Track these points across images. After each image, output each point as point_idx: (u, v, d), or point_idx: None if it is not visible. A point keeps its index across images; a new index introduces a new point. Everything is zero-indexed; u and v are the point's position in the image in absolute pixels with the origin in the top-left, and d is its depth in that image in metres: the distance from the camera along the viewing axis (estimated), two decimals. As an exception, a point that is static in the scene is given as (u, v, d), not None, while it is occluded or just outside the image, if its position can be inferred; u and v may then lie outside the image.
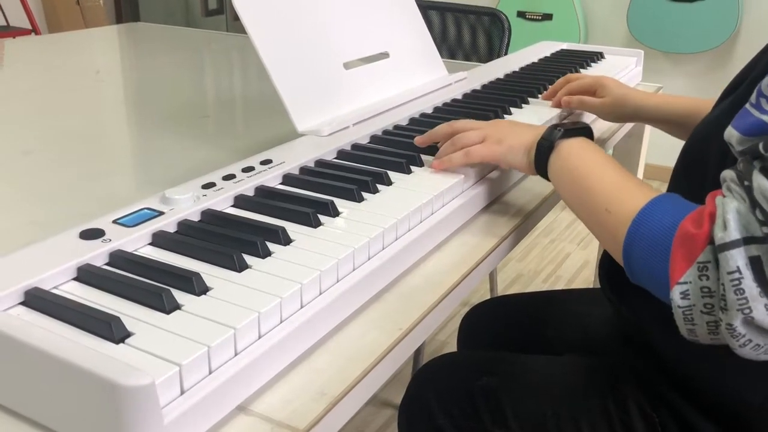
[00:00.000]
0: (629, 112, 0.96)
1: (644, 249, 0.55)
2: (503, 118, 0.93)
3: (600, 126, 1.08)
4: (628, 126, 1.17)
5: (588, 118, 1.04)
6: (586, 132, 0.70)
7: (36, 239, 0.53)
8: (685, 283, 0.51)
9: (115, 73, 1.34)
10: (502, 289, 2.08)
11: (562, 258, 2.31)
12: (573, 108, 1.00)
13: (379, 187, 0.69)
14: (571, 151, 0.68)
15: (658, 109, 0.95)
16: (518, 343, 0.96)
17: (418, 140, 0.79)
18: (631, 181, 0.62)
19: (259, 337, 0.47)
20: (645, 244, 0.55)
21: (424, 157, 0.76)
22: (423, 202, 0.65)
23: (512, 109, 0.96)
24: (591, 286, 2.05)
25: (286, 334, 0.47)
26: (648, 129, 1.46)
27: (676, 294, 0.52)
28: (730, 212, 0.50)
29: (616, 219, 0.59)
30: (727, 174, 0.54)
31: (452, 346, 1.71)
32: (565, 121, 0.70)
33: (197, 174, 0.67)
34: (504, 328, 1.01)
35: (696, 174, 0.65)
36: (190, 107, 1.10)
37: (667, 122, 0.96)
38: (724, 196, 0.52)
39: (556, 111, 0.96)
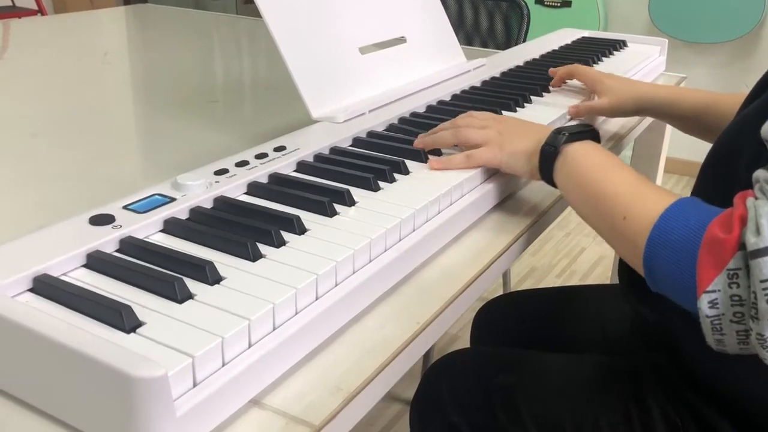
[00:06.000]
0: (632, 108, 0.94)
1: (667, 256, 0.53)
2: (523, 107, 0.92)
3: (618, 120, 1.07)
4: (649, 119, 1.15)
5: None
6: (592, 135, 0.68)
7: (44, 224, 0.53)
8: (714, 291, 0.49)
9: (123, 56, 1.34)
10: (515, 284, 2.07)
11: (577, 252, 2.30)
12: (581, 116, 0.97)
13: (396, 176, 0.68)
14: (577, 155, 0.66)
15: (666, 103, 0.92)
16: (534, 341, 0.95)
17: (419, 142, 0.75)
18: (647, 185, 0.60)
19: (274, 329, 0.46)
20: (668, 251, 0.53)
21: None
22: (441, 193, 0.65)
23: (533, 98, 0.95)
24: (606, 282, 2.04)
25: (301, 326, 0.47)
26: (670, 121, 1.44)
27: (704, 303, 0.50)
28: (764, 216, 0.48)
29: (635, 226, 0.57)
30: (761, 174, 0.52)
31: (464, 341, 1.70)
32: (569, 124, 0.67)
33: (207, 160, 0.66)
34: (519, 325, 1.01)
35: (725, 176, 0.63)
36: (200, 91, 1.09)
37: (678, 118, 0.93)
38: (756, 198, 0.51)
39: (579, 100, 0.95)
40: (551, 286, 2.04)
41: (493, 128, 0.73)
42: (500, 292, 1.54)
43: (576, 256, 2.28)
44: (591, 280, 2.13)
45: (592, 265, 2.22)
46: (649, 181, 0.61)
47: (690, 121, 0.92)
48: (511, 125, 0.74)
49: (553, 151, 0.67)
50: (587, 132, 0.68)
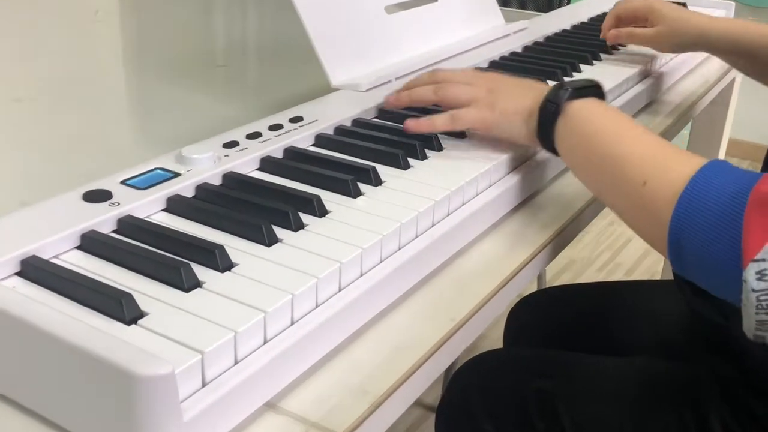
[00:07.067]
0: (689, 40, 0.93)
1: (702, 225, 0.50)
2: (572, 76, 0.91)
3: (683, 89, 1.06)
4: (714, 92, 1.14)
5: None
6: (597, 91, 0.66)
7: (31, 200, 0.53)
8: (764, 260, 0.46)
9: (116, 13, 1.34)
10: (550, 278, 2.06)
11: (622, 243, 2.28)
12: (623, 42, 0.97)
13: (428, 152, 0.67)
14: (584, 113, 0.63)
15: (725, 35, 0.90)
16: (576, 342, 0.95)
17: (393, 99, 0.73)
18: (671, 146, 0.58)
19: (292, 324, 0.46)
20: (702, 218, 0.50)
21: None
22: (480, 172, 0.64)
23: (582, 66, 0.94)
24: (654, 278, 2.02)
25: (322, 321, 0.46)
26: (735, 97, 1.42)
27: (750, 274, 0.46)
28: None
29: (658, 192, 0.54)
30: None
31: (491, 340, 1.69)
32: (572, 79, 0.65)
33: (214, 131, 0.65)
34: (558, 324, 1.00)
35: None
36: (203, 54, 1.09)
37: (737, 53, 0.91)
38: None
39: (637, 68, 0.94)
40: (592, 281, 2.03)
41: (481, 85, 0.69)
42: (534, 288, 1.54)
43: (620, 248, 2.26)
44: (637, 275, 2.12)
45: (639, 258, 2.21)
46: (670, 143, 0.59)
47: (761, 59, 0.89)
48: (502, 81, 0.71)
49: (555, 108, 0.63)
50: (591, 87, 0.66)
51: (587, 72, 0.93)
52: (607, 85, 0.85)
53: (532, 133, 0.66)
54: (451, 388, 0.87)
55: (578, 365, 0.82)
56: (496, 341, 1.09)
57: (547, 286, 1.54)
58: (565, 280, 2.08)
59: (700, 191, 0.51)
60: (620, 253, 2.24)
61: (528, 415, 0.77)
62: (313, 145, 0.68)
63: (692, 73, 1.12)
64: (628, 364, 0.81)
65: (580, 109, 0.63)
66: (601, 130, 0.61)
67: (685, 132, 1.45)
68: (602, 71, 0.94)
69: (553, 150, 0.65)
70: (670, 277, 0.76)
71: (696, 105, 1.03)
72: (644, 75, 0.96)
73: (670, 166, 0.55)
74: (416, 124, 0.67)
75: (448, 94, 0.69)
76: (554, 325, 1.01)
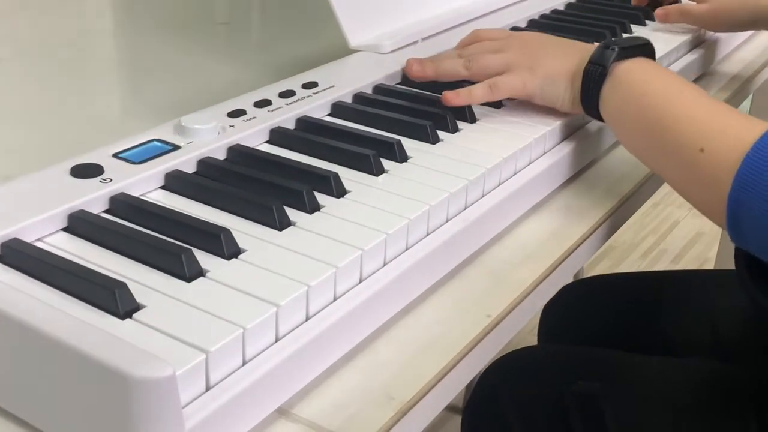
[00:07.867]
0: (746, 17, 0.92)
1: (764, 195, 0.51)
2: (621, 37, 0.89)
3: (742, 58, 1.05)
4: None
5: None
6: (646, 49, 0.66)
7: (12, 174, 0.52)
8: None
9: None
10: (587, 265, 2.05)
11: (669, 227, 2.28)
12: (673, 21, 0.96)
13: (460, 124, 0.67)
14: (632, 76, 0.64)
15: None
16: (618, 340, 0.95)
17: (418, 69, 0.72)
18: (730, 110, 0.59)
19: (307, 319, 0.45)
20: (765, 188, 0.51)
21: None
22: (519, 148, 0.63)
23: (633, 27, 0.94)
24: (704, 267, 2.02)
25: (341, 316, 0.46)
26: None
27: None
28: None
29: (717, 159, 0.55)
30: None
31: (522, 335, 1.69)
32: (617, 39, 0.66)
33: (218, 98, 0.65)
34: (602, 319, 1.00)
35: None
36: (203, 10, 1.09)
37: None
38: None
39: (690, 34, 0.93)
40: (635, 269, 2.02)
41: (512, 49, 0.70)
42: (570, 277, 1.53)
43: (666, 232, 2.26)
44: (685, 262, 2.12)
45: (688, 244, 2.21)
46: (729, 106, 0.60)
47: None
48: (538, 41, 0.72)
49: (601, 71, 0.64)
50: (641, 46, 0.66)
51: (639, 33, 0.92)
52: (659, 50, 0.84)
53: (576, 99, 0.66)
54: (479, 389, 0.87)
55: (625, 366, 0.82)
56: (526, 335, 1.09)
57: (584, 275, 1.54)
58: (603, 268, 2.08)
59: (764, 158, 0.52)
60: (666, 238, 2.23)
61: (567, 420, 0.77)
62: (329, 114, 0.68)
63: (751, 39, 1.11)
64: (681, 365, 0.81)
65: (629, 70, 0.64)
66: (652, 93, 0.62)
67: (746, 105, 1.44)
68: (655, 33, 0.93)
69: (598, 116, 0.66)
70: (723, 266, 0.76)
71: (756, 77, 1.02)
72: (698, 41, 0.95)
73: (730, 131, 0.56)
74: (455, 95, 0.67)
75: (481, 67, 0.69)
76: (594, 319, 1.01)
